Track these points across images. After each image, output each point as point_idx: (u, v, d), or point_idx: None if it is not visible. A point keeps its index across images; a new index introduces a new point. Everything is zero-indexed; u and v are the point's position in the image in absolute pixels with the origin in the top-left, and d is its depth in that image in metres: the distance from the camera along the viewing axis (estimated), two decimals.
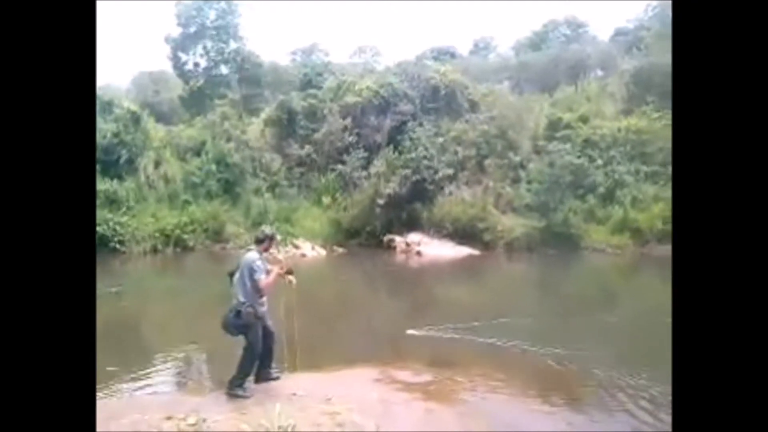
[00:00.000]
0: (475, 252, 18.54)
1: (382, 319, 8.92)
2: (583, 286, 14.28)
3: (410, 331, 8.11)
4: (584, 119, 22.81)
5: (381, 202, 20.22)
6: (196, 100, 30.18)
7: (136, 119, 20.95)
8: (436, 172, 20.60)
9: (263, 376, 5.75)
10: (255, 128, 25.12)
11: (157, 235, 18.60)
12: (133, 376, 6.55)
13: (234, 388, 5.44)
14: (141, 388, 6.20)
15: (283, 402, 5.27)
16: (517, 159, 21.66)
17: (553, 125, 22.56)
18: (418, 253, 18.79)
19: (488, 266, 17.16)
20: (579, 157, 20.33)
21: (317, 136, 23.82)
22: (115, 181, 19.19)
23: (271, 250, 5.69)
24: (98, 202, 17.95)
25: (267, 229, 5.68)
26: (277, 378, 5.84)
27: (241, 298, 5.38)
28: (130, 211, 18.85)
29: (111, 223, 17.82)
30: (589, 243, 18.92)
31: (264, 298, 5.53)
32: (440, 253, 18.57)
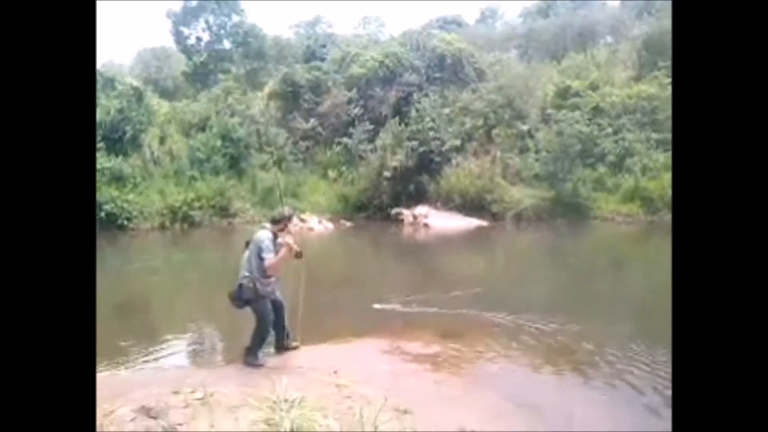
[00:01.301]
0: (484, 223, 18.40)
1: (391, 291, 8.86)
2: (592, 255, 14.16)
3: (377, 306, 7.98)
4: (594, 87, 22.33)
5: (387, 174, 20.06)
6: (200, 76, 29.92)
7: (139, 95, 20.77)
8: (442, 143, 20.34)
9: (282, 347, 5.87)
10: (259, 102, 24.83)
11: (164, 211, 18.59)
12: (144, 351, 6.59)
13: (249, 357, 5.55)
14: (152, 362, 6.23)
15: (291, 375, 5.26)
16: (525, 128, 21.29)
17: (562, 93, 22.11)
18: (426, 226, 18.69)
19: (497, 237, 17.06)
20: (588, 125, 19.97)
21: (322, 109, 23.54)
22: (120, 158, 19.12)
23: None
24: (104, 179, 17.96)
25: (285, 210, 5.60)
26: (296, 347, 5.92)
27: (244, 273, 5.41)
28: (136, 189, 18.81)
29: (118, 201, 17.82)
30: (598, 212, 18.72)
31: (272, 279, 5.51)
32: (448, 225, 18.46)
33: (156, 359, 6.35)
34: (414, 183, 20.23)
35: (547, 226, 17.83)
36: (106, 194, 17.62)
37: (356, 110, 22.92)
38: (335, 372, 5.34)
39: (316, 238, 17.50)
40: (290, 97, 24.25)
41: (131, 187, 18.69)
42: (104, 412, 4.04)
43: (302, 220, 18.73)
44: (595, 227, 17.95)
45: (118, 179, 18.57)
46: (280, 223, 5.49)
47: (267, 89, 25.01)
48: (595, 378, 5.44)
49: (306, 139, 23.38)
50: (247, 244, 5.52)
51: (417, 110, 21.32)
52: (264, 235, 5.41)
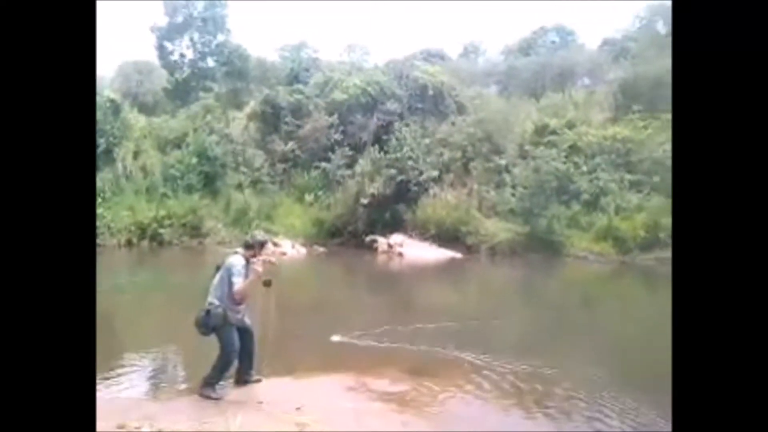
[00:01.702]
0: (458, 255, 18.34)
1: (361, 323, 8.62)
2: (566, 293, 14.16)
3: (335, 338, 7.71)
4: (571, 125, 22.74)
5: (364, 201, 19.94)
6: (181, 92, 29.58)
7: (115, 108, 20.40)
8: (420, 173, 20.36)
9: (243, 379, 5.58)
10: (239, 122, 24.63)
11: (132, 228, 18.08)
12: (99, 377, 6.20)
13: (205, 388, 5.27)
14: (103, 388, 5.84)
15: (250, 410, 4.99)
16: (503, 163, 21.47)
17: (540, 131, 22.44)
18: (400, 255, 18.54)
19: (471, 270, 16.97)
20: (564, 163, 20.24)
21: (302, 132, 23.43)
22: None
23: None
24: None
25: (259, 235, 5.47)
26: (258, 381, 5.65)
27: (212, 299, 5.22)
28: (105, 203, 18.29)
29: None
30: (571, 250, 18.84)
31: (241, 306, 5.32)
32: (422, 255, 18.34)
33: (108, 385, 5.97)
34: (390, 211, 20.14)
35: (521, 261, 17.84)
36: None
37: (336, 135, 22.87)
38: (298, 408, 5.07)
39: (289, 263, 17.17)
40: (271, 118, 24.10)
41: (100, 201, 18.15)
42: None
43: (275, 244, 18.41)
44: (568, 264, 18.04)
45: None
46: (252, 248, 5.32)
47: (248, 109, 24.83)
48: (565, 425, 5.28)
49: (284, 162, 23.18)
50: (218, 268, 5.35)
51: (397, 139, 21.37)
52: (236, 260, 5.25)
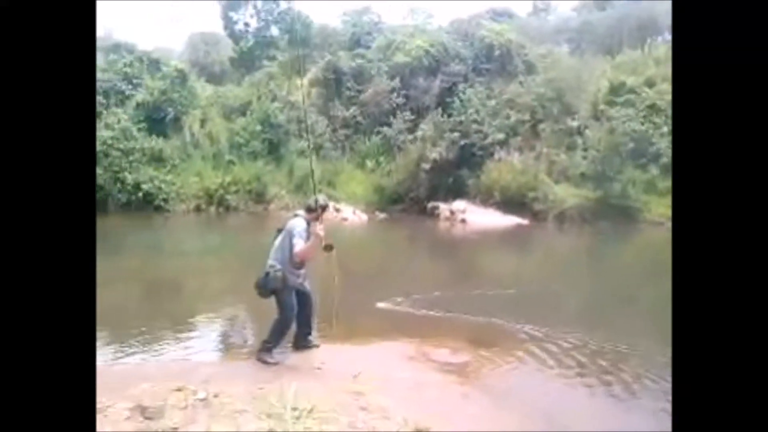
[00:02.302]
0: (524, 222, 17.63)
1: (419, 289, 8.39)
2: (638, 262, 13.25)
3: (381, 305, 7.52)
4: (650, 83, 21.04)
5: (426, 167, 19.51)
6: (246, 61, 29.89)
7: (183, 78, 20.87)
8: (486, 136, 19.60)
9: (301, 344, 5.53)
10: (301, 88, 24.58)
11: (200, 194, 18.64)
12: (164, 336, 6.36)
13: (262, 353, 5.26)
14: (169, 349, 5.97)
15: (306, 376, 4.89)
16: (574, 124, 20.26)
17: (616, 89, 20.94)
18: (463, 221, 18.07)
19: (537, 237, 16.28)
20: (642, 123, 18.83)
21: (364, 97, 23.10)
22: (161, 139, 19.25)
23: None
24: (144, 159, 18.16)
25: (321, 199, 5.30)
26: (316, 346, 5.60)
27: (271, 261, 5.14)
28: (174, 170, 18.94)
29: (156, 181, 17.97)
30: (647, 216, 17.63)
31: (302, 270, 5.22)
32: (486, 222, 17.77)
33: (175, 348, 6.09)
34: (453, 176, 19.62)
35: (592, 228, 16.90)
36: (144, 174, 17.80)
37: (398, 99, 22.40)
38: (355, 376, 4.93)
39: (350, 229, 17.18)
40: (332, 84, 23.91)
41: (170, 168, 18.81)
42: (101, 406, 3.75)
43: (337, 210, 18.45)
44: (642, 232, 16.91)
45: (157, 159, 18.74)
46: (314, 211, 5.20)
47: (309, 75, 24.74)
48: (633, 405, 4.84)
49: (346, 128, 23.01)
50: (279, 231, 5.27)
51: (461, 101, 20.64)
52: (298, 222, 5.14)
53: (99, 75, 19.81)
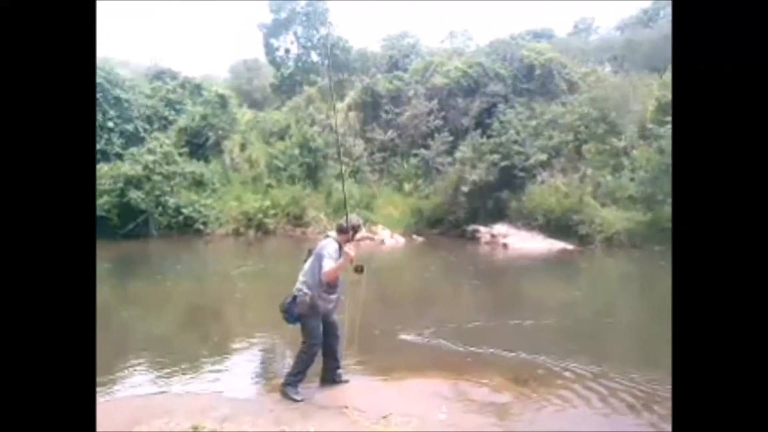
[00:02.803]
0: (570, 247, 16.84)
1: (460, 318, 7.92)
2: None
3: (403, 336, 7.06)
4: None
5: (465, 189, 19.02)
6: (287, 87, 30.46)
7: (223, 103, 21.25)
8: (527, 158, 19.01)
9: (328, 378, 5.16)
10: (339, 112, 24.70)
11: (240, 217, 18.73)
12: (194, 366, 6.12)
13: (286, 386, 4.91)
14: (193, 380, 5.72)
15: (333, 416, 4.53)
16: (621, 145, 19.42)
17: (664, 108, 19.97)
18: (505, 246, 17.42)
19: (584, 263, 15.46)
20: None
21: (401, 119, 22.93)
22: (202, 163, 19.54)
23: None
24: (185, 183, 18.44)
25: (353, 219, 4.98)
26: (345, 381, 5.21)
27: (299, 284, 4.85)
28: (215, 194, 19.14)
29: (197, 205, 18.18)
30: None
31: (334, 296, 4.89)
32: (530, 246, 17.07)
33: (204, 375, 5.85)
34: (493, 199, 19.05)
35: (642, 254, 15.96)
36: (185, 198, 18.04)
37: (436, 121, 22.12)
38: (384, 417, 4.53)
39: (387, 253, 16.83)
40: (370, 107, 23.91)
41: (210, 192, 19.02)
42: None
43: (374, 233, 18.16)
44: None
45: (198, 184, 18.98)
46: (346, 232, 4.89)
47: (347, 99, 24.85)
48: None
49: (383, 150, 22.86)
50: (310, 252, 4.98)
51: (500, 122, 20.16)
52: (329, 243, 4.85)
53: (143, 101, 20.50)
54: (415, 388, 5.30)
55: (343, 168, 21.15)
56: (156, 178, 17.77)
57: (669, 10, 34.12)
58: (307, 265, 4.93)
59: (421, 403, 4.85)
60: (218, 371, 6.01)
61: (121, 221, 17.14)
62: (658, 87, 21.95)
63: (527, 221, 18.16)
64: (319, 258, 4.80)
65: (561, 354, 6.33)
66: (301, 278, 4.91)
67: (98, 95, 18.63)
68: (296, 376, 4.92)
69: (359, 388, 5.14)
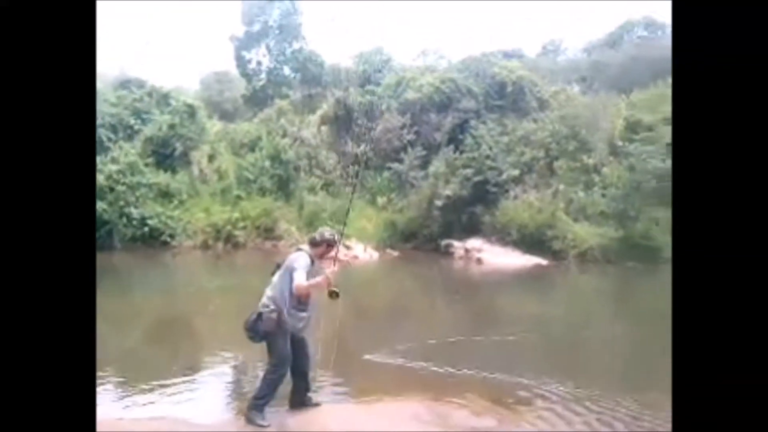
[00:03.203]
0: (543, 262, 16.82)
1: (435, 334, 7.64)
2: (665, 306, 12.32)
3: (368, 357, 6.66)
4: (668, 122, 20.50)
5: (439, 204, 18.92)
6: (258, 99, 30.03)
7: (192, 113, 20.70)
8: (500, 173, 19.06)
9: (298, 401, 4.72)
10: (311, 125, 24.43)
11: (208, 229, 18.13)
12: (148, 388, 5.64)
13: (251, 411, 4.47)
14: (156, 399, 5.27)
15: None
16: (591, 162, 19.71)
17: (633, 127, 20.40)
18: (479, 261, 17.31)
19: (557, 278, 15.44)
20: (664, 160, 18.16)
21: (374, 133, 22.75)
22: (169, 173, 18.92)
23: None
24: (151, 194, 17.78)
25: (327, 232, 4.61)
26: (316, 405, 4.79)
27: (266, 300, 4.42)
28: (182, 205, 18.53)
29: (163, 217, 17.54)
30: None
31: (305, 313, 4.46)
32: (504, 262, 16.99)
33: (167, 395, 5.39)
34: (467, 214, 19.00)
35: (615, 269, 16.06)
36: (151, 209, 17.40)
37: (409, 136, 22.05)
38: None
39: (361, 268, 16.49)
40: (343, 120, 23.70)
41: (177, 203, 18.40)
42: None
43: (347, 247, 17.80)
44: (668, 272, 16.00)
45: (164, 195, 18.35)
46: (320, 246, 4.53)
47: (320, 112, 24.60)
48: None
49: (356, 164, 22.61)
50: (278, 266, 4.54)
51: (473, 137, 20.22)
52: (300, 255, 4.44)
53: (108, 109, 19.74)
54: (392, 411, 4.96)
55: (317, 180, 20.91)
56: (120, 188, 17.08)
57: (633, 35, 35.37)
58: (275, 279, 4.52)
59: (400, 428, 4.53)
60: (179, 393, 5.56)
61: None
62: (626, 107, 22.45)
63: (501, 236, 18.14)
64: (290, 271, 4.40)
65: (537, 372, 6.10)
66: (268, 293, 4.48)
67: None
68: (262, 399, 4.49)
69: (331, 412, 4.77)
